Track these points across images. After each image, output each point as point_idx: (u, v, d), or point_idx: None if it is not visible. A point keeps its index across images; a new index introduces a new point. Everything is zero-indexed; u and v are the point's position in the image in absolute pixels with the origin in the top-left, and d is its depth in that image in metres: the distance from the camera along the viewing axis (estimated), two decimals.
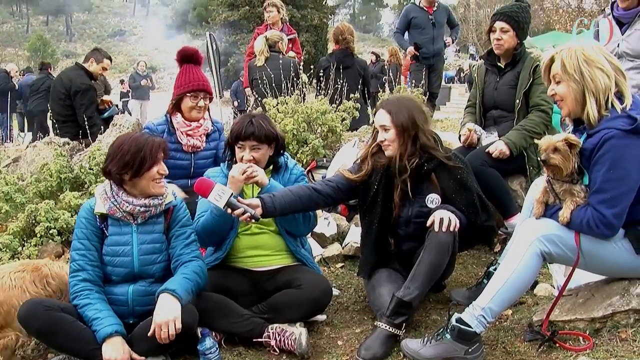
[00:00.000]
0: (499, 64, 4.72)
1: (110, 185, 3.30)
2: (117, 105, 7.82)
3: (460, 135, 4.75)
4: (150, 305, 3.22)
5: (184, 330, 3.07)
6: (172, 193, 3.46)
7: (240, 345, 3.46)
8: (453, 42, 9.63)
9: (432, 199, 3.60)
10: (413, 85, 7.79)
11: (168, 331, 3.01)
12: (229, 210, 3.36)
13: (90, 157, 5.78)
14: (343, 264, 4.67)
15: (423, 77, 7.94)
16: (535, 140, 3.30)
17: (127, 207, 3.27)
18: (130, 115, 13.44)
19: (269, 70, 6.92)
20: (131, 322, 3.29)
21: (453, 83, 33.28)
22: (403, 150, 3.57)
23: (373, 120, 6.96)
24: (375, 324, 3.36)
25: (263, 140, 3.66)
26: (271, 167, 3.85)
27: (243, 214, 3.34)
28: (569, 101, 3.11)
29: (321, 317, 3.73)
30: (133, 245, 3.30)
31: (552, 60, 3.15)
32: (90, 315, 3.12)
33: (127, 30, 67.58)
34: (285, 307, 3.50)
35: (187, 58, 4.55)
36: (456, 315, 3.14)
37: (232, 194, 3.36)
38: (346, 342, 3.52)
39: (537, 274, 3.18)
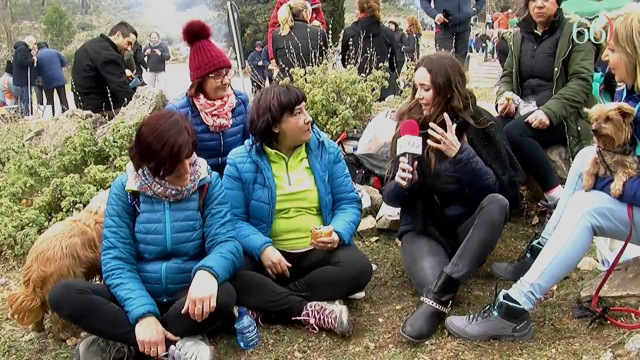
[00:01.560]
0: (535, 31, 4.52)
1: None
2: (139, 77, 7.70)
3: (497, 105, 4.58)
4: (184, 283, 3.14)
5: (221, 309, 2.98)
6: (207, 169, 3.32)
7: (277, 324, 3.37)
8: (478, 12, 9.40)
9: None
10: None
11: (202, 308, 2.91)
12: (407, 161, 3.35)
13: (114, 129, 5.71)
14: (377, 237, 4.55)
15: (452, 45, 7.74)
16: (585, 109, 3.15)
17: (158, 188, 3.15)
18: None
19: (295, 39, 6.73)
20: (165, 300, 3.20)
21: (471, 52, 32.69)
22: (435, 110, 3.55)
23: (401, 89, 6.91)
24: (420, 299, 3.24)
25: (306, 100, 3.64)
26: (303, 146, 3.69)
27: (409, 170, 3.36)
28: (620, 71, 2.95)
29: (359, 295, 3.62)
30: (166, 223, 3.18)
31: (607, 25, 2.98)
32: (122, 295, 3.03)
33: (143, 2, 67.10)
34: (323, 285, 3.39)
35: (196, 34, 4.17)
36: (503, 291, 3.02)
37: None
38: (387, 319, 3.42)
39: (587, 249, 3.04)
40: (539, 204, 4.36)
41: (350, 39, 7.26)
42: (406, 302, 3.58)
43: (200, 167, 3.26)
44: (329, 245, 3.39)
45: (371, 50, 6.59)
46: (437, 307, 3.20)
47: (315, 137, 3.69)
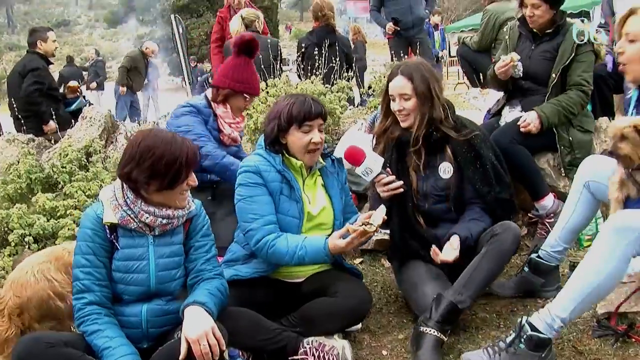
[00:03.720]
0: (535, 30, 4.26)
1: (123, 191, 2.77)
2: (84, 97, 7.24)
3: (494, 71, 4.28)
4: (167, 326, 2.80)
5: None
6: (191, 199, 2.94)
7: None
8: (430, 14, 9.25)
9: (445, 168, 3.43)
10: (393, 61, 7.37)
11: (209, 342, 2.53)
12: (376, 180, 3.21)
13: (61, 154, 5.32)
14: (362, 259, 4.23)
15: (407, 52, 7.52)
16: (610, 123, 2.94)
17: (147, 218, 2.75)
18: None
19: None
20: (145, 346, 2.80)
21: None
22: (420, 120, 3.35)
23: (364, 99, 6.65)
24: (421, 329, 2.95)
25: (326, 119, 3.30)
26: (318, 167, 3.38)
27: (389, 183, 3.20)
28: (637, 66, 2.75)
29: (356, 326, 3.31)
30: (150, 260, 2.79)
31: (631, 13, 2.76)
32: (100, 344, 2.62)
33: (72, 20, 65.49)
34: (320, 319, 3.06)
35: (249, 50, 4.07)
36: (527, 321, 2.74)
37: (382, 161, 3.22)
38: (391, 350, 3.13)
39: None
40: (529, 214, 4.13)
41: (304, 49, 6.98)
42: (408, 330, 3.29)
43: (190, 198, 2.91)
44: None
45: (328, 60, 6.32)
46: (440, 336, 2.94)
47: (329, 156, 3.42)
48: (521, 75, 4.23)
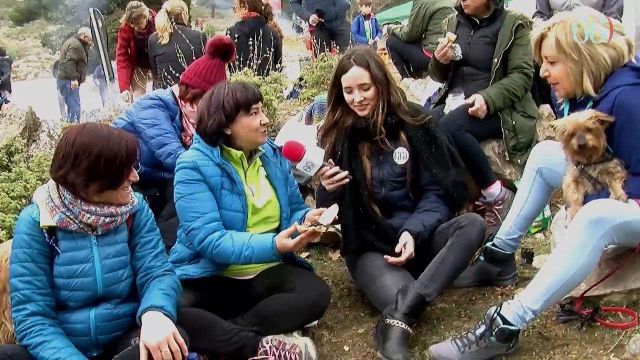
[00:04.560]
0: (473, 17, 4.25)
1: (59, 191, 2.53)
2: (0, 95, 6.81)
3: (434, 55, 4.28)
4: (117, 331, 2.61)
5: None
6: (132, 193, 2.72)
7: None
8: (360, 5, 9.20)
9: (400, 154, 3.33)
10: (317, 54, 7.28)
11: (170, 349, 2.36)
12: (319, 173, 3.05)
13: None
14: (309, 252, 4.09)
15: (330, 44, 7.44)
16: (552, 122, 2.94)
17: (89, 218, 2.52)
18: None
19: (177, 45, 6.17)
20: (95, 354, 2.60)
21: None
22: (382, 107, 3.24)
23: (294, 85, 6.49)
24: (387, 322, 2.84)
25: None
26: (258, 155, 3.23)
27: (334, 174, 3.03)
28: (566, 84, 2.76)
29: (313, 322, 3.17)
30: (95, 262, 2.57)
31: (542, 37, 2.77)
32: (47, 356, 2.39)
33: None
34: (277, 316, 2.91)
35: (223, 53, 4.04)
36: (499, 314, 2.66)
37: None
38: (352, 345, 3.01)
39: None
40: (475, 202, 4.09)
41: (236, 40, 6.77)
42: (367, 324, 3.18)
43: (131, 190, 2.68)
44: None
45: (262, 51, 6.16)
46: (407, 328, 2.84)
47: (269, 145, 3.27)
48: (460, 57, 4.22)
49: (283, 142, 4.42)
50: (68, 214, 2.50)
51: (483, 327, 2.68)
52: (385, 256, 3.11)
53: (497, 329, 2.64)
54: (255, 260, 2.94)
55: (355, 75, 3.24)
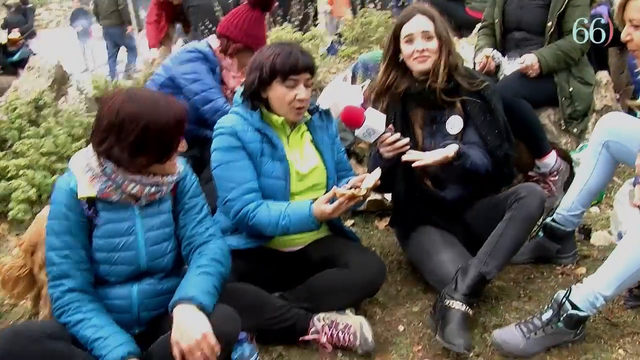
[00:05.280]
0: None
1: (99, 160, 2.31)
2: (27, 45, 6.64)
3: (474, 63, 4.05)
4: (161, 308, 2.42)
5: (226, 342, 2.27)
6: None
7: (278, 344, 2.69)
8: None
9: (453, 124, 3.07)
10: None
11: (204, 354, 2.16)
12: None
13: (8, 108, 4.84)
14: (353, 221, 3.89)
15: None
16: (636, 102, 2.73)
17: (133, 188, 2.32)
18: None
19: None
20: (137, 332, 2.43)
21: None
22: (442, 66, 2.99)
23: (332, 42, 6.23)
24: (446, 303, 2.66)
25: (313, 74, 2.89)
26: (303, 122, 3.00)
27: (395, 142, 2.81)
28: None
29: None
30: (138, 235, 2.38)
31: None
32: (89, 335, 2.24)
33: None
34: (331, 293, 2.73)
35: (264, 4, 3.87)
36: (568, 299, 2.49)
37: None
38: (408, 325, 2.83)
39: None
40: (529, 173, 3.89)
41: None
42: (421, 301, 3.00)
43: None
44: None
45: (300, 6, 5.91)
46: (467, 310, 2.66)
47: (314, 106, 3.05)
48: (505, 64, 3.95)
49: (327, 102, 4.27)
50: (110, 183, 2.30)
51: (550, 312, 2.52)
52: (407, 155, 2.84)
53: (565, 314, 2.48)
54: (293, 229, 2.75)
55: (420, 22, 3.01)
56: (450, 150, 2.84)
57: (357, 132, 2.82)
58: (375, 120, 2.79)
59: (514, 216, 2.78)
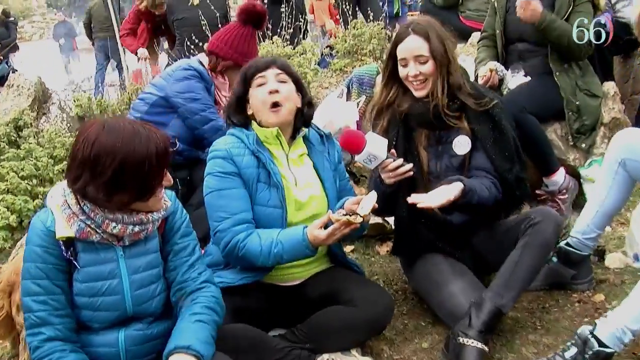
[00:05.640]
0: None
1: (76, 197, 2.09)
2: (6, 62, 6.40)
3: (477, 77, 3.87)
4: (152, 353, 2.21)
5: None
6: (165, 196, 2.27)
7: None
8: None
9: (460, 142, 2.86)
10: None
11: None
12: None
13: None
14: (352, 246, 3.68)
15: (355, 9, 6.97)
16: None
17: (115, 228, 2.10)
18: None
19: (200, 12, 5.72)
20: None
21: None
22: (440, 88, 2.80)
23: (322, 55, 6.05)
24: (460, 341, 2.47)
25: (290, 73, 2.74)
26: (301, 139, 2.81)
27: (397, 168, 2.62)
28: None
29: None
30: (122, 278, 2.16)
31: None
32: None
33: None
34: (335, 332, 2.51)
35: (256, 21, 3.75)
36: (593, 335, 2.31)
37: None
38: None
39: None
40: (536, 192, 3.70)
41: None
42: (430, 336, 2.79)
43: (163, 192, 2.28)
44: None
45: (290, 19, 5.71)
46: (483, 347, 2.46)
47: (315, 131, 2.85)
48: (510, 77, 3.81)
49: (322, 120, 4.08)
50: (89, 222, 2.08)
51: (574, 350, 2.34)
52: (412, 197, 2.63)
53: (591, 351, 2.30)
54: (287, 257, 2.53)
55: (412, 45, 2.81)
56: (455, 189, 2.63)
57: (358, 157, 2.61)
58: (376, 146, 2.58)
59: (529, 243, 2.60)
